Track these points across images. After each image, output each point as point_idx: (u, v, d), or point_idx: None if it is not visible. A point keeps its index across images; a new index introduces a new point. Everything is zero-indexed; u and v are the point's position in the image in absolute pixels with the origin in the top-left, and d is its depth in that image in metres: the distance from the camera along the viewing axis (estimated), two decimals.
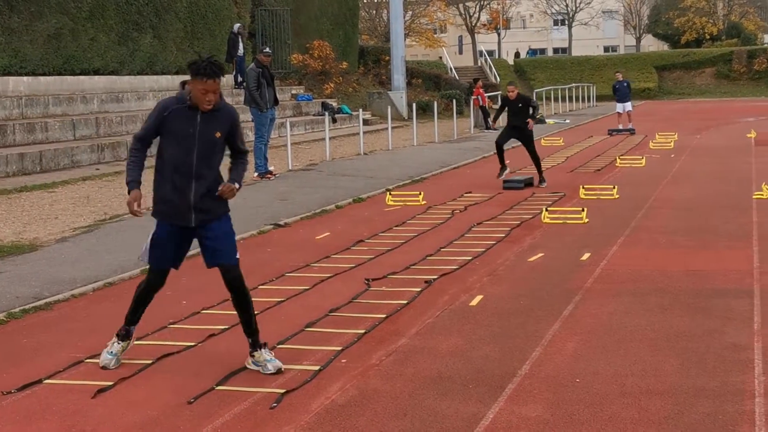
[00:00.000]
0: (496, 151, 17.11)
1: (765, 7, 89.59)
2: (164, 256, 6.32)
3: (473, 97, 34.56)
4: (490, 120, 30.84)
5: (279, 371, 6.20)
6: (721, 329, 7.10)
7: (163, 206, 6.23)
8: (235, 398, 5.80)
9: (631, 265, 9.49)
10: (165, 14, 27.24)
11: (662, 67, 63.99)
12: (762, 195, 14.06)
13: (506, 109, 17.03)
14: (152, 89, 26.18)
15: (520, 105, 16.66)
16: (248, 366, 6.33)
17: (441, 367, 6.33)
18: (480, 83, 36.57)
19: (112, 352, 6.43)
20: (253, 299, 6.45)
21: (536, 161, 16.75)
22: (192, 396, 5.81)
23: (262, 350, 6.32)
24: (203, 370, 6.36)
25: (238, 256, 6.36)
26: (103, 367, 6.37)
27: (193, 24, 28.99)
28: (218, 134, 6.16)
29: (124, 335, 6.48)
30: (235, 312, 6.46)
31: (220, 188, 6.19)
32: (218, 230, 6.25)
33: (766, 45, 68.66)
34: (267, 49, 18.04)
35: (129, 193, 6.17)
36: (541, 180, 16.54)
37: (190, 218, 6.18)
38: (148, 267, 6.46)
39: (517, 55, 76.73)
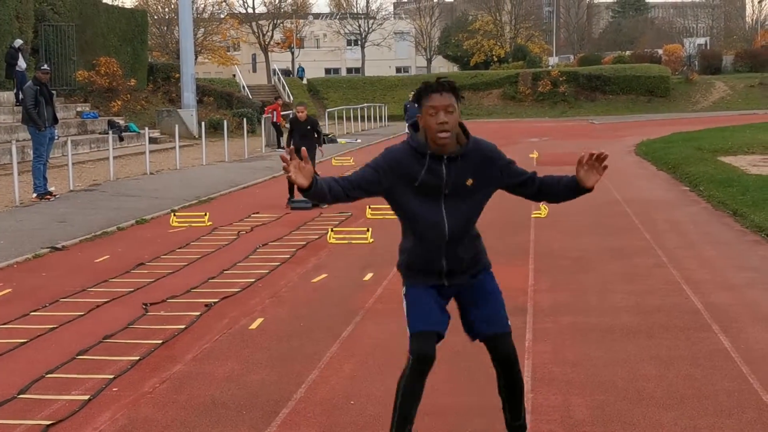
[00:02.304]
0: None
1: (549, 31, 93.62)
2: None
3: (265, 115, 34.38)
4: (283, 140, 30.85)
5: None
6: None
7: None
8: None
9: None
10: None
11: None
12: (540, 214, 14.58)
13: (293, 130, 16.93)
14: None
15: (309, 127, 16.52)
16: None
17: (216, 393, 6.22)
18: (280, 101, 36.43)
19: None
20: (23, 327, 6.15)
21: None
22: None
23: None
24: None
25: None
26: None
27: None
28: None
29: None
30: (1, 341, 6.16)
31: None
32: None
33: (550, 68, 71.58)
34: (45, 66, 17.44)
35: None
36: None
37: None
38: None
39: (287, 73, 75.22)
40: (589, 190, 4.72)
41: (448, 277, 4.80)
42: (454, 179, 4.61)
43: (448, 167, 4.59)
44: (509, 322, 4.91)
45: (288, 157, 4.47)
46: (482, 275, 4.89)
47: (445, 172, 4.59)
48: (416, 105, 4.64)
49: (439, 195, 4.63)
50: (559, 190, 4.80)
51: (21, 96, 28.02)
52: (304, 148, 4.64)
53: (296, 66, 77.68)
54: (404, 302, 4.90)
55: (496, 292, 4.90)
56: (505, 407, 5.02)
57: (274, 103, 35.35)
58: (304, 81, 67.61)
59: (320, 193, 4.60)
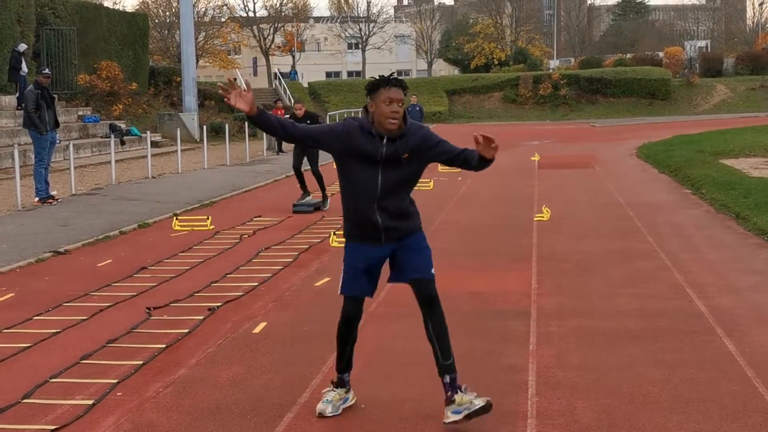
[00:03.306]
0: (296, 176, 17.01)
1: (550, 34, 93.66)
2: None
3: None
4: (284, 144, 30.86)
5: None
6: (498, 351, 7.26)
7: None
8: None
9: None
10: None
11: (452, 91, 65.64)
12: (542, 217, 14.58)
13: None
14: None
15: (308, 122, 16.54)
16: (446, 422, 5.62)
17: (220, 398, 6.21)
18: (280, 104, 36.24)
19: (327, 400, 5.90)
20: (27, 331, 6.15)
21: (319, 181, 16.69)
22: None
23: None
24: None
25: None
26: (319, 415, 5.81)
27: None
28: None
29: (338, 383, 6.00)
30: (4, 345, 6.15)
31: None
32: None
33: (550, 71, 71.60)
34: (46, 70, 17.42)
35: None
36: (324, 199, 16.54)
37: None
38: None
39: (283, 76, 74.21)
40: (490, 160, 5.71)
41: (385, 232, 5.72)
42: (391, 154, 5.62)
43: (387, 145, 5.61)
44: (433, 272, 5.82)
45: (227, 87, 5.53)
46: (414, 235, 5.84)
47: (384, 148, 5.61)
48: (368, 93, 5.65)
49: (377, 163, 5.62)
50: (475, 161, 5.73)
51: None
52: (247, 79, 5.41)
53: (296, 71, 77.41)
54: (342, 267, 5.88)
55: (425, 248, 5.84)
56: (435, 351, 5.75)
57: (274, 108, 35.17)
58: (305, 84, 67.52)
59: (268, 124, 5.67)
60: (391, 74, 5.78)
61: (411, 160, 5.68)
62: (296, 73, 73.79)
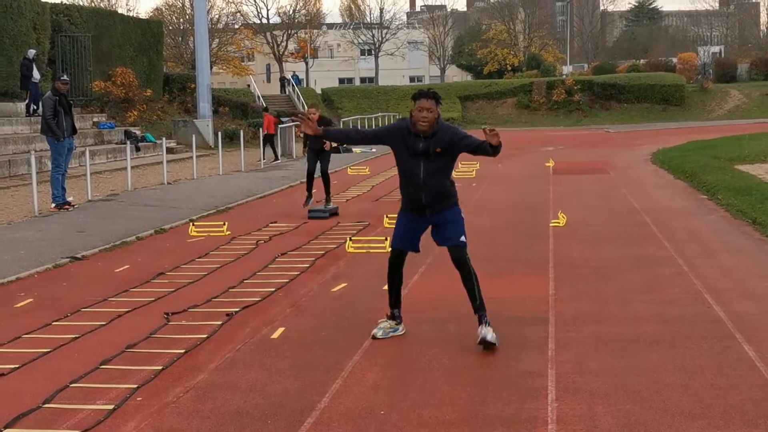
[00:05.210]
0: (306, 180, 17.09)
1: (563, 40, 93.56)
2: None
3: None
4: (269, 151, 30.65)
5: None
6: (516, 357, 7.25)
7: None
8: None
9: (431, 294, 9.63)
10: None
11: (466, 97, 65.68)
12: (558, 223, 14.56)
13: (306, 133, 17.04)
14: None
15: (322, 126, 16.74)
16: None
17: (240, 403, 6.22)
18: (266, 113, 34.47)
19: (380, 326, 7.85)
20: (46, 336, 6.19)
21: (327, 182, 16.82)
22: None
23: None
24: None
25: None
26: (372, 337, 7.74)
27: None
28: None
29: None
30: (24, 350, 6.19)
31: None
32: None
33: (564, 76, 71.53)
34: (65, 77, 17.49)
35: None
36: (328, 200, 16.75)
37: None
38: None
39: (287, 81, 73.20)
40: (498, 145, 7.21)
41: (429, 208, 7.57)
42: (426, 148, 7.39)
43: (424, 141, 7.39)
44: (463, 239, 7.64)
45: (304, 117, 7.90)
46: (451, 209, 7.63)
47: (422, 144, 7.39)
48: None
49: (418, 155, 7.43)
50: (489, 149, 7.25)
51: (33, 107, 28.28)
52: (312, 108, 9.44)
53: (300, 75, 77.06)
54: (395, 228, 7.87)
55: (459, 220, 7.65)
56: (469, 295, 7.58)
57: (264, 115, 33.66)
58: (319, 91, 67.55)
59: (339, 137, 8.87)
60: (430, 89, 7.54)
61: (443, 153, 7.40)
62: (298, 78, 73.51)
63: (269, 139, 31.50)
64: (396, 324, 7.85)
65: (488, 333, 7.34)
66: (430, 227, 7.74)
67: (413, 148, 7.39)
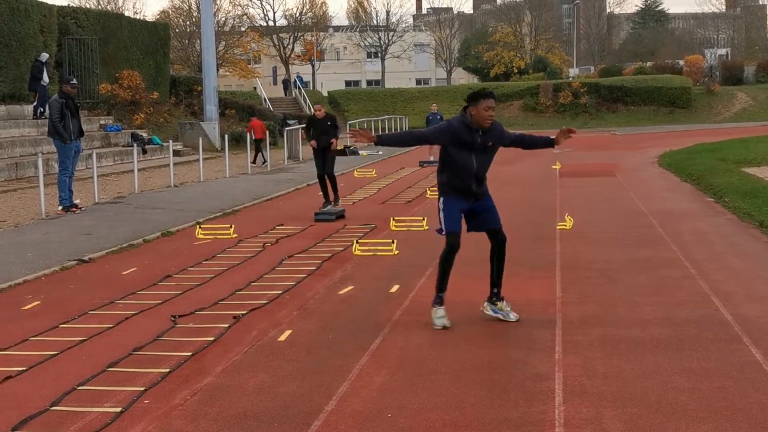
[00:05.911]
0: (319, 183, 17.12)
1: (570, 42, 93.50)
2: None
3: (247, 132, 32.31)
4: (260, 156, 30.53)
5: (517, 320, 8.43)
6: (524, 359, 7.24)
7: None
8: None
9: None
10: None
11: None
12: (565, 225, 14.54)
13: (312, 129, 17.09)
14: None
15: (329, 123, 16.88)
16: (485, 312, 8.57)
17: (247, 405, 6.22)
18: (254, 118, 34.31)
19: (440, 316, 8.33)
20: (53, 339, 6.20)
21: (333, 182, 16.87)
22: None
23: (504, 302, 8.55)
24: None
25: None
26: (443, 327, 8.23)
27: None
28: None
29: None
30: (32, 353, 6.19)
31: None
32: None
33: (570, 79, 71.46)
34: (74, 81, 17.50)
35: None
36: (336, 200, 16.89)
37: None
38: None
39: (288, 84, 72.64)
40: (554, 145, 8.86)
41: (475, 195, 8.41)
42: (482, 142, 8.27)
43: (481, 136, 8.24)
44: (501, 223, 8.63)
45: (357, 132, 8.28)
46: (487, 197, 8.57)
47: (479, 138, 8.24)
48: (470, 102, 8.20)
49: (472, 150, 8.24)
50: (538, 146, 8.99)
51: (41, 110, 28.33)
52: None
53: (306, 78, 77.08)
54: (440, 211, 8.44)
55: (495, 207, 8.61)
56: (492, 272, 8.61)
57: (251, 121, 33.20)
58: (325, 93, 67.56)
59: (393, 142, 9.26)
60: (483, 89, 8.41)
61: (493, 146, 8.40)
62: (302, 79, 73.50)
63: (258, 144, 31.28)
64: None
65: (510, 314, 8.49)
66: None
67: (471, 143, 8.18)
